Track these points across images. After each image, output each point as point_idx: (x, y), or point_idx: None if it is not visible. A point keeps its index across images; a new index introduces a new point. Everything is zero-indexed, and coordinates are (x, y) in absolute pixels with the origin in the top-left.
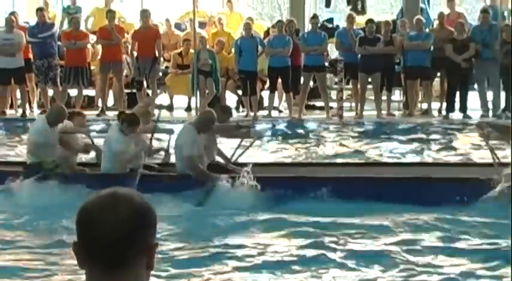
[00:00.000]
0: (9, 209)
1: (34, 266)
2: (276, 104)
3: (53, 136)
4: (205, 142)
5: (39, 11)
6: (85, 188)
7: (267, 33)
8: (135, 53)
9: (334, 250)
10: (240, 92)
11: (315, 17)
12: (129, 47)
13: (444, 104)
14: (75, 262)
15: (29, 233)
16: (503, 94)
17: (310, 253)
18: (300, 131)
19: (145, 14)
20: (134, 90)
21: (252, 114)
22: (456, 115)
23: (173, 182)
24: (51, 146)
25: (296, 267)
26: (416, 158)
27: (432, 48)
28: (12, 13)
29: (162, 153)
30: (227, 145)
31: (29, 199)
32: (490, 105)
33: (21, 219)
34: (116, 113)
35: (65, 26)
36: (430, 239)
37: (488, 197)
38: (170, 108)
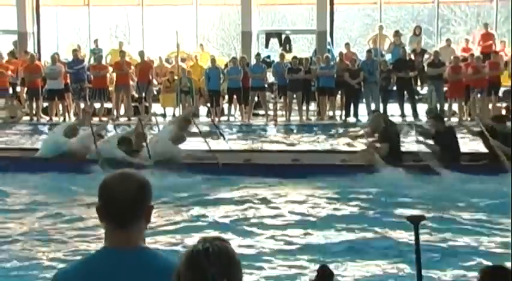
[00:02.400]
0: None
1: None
2: (232, 112)
3: (65, 143)
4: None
5: (74, 51)
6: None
7: (226, 65)
8: (136, 79)
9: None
10: (208, 104)
11: (258, 54)
12: (133, 75)
13: (343, 112)
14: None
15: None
16: (382, 105)
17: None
18: (248, 130)
19: (142, 53)
20: (137, 104)
21: (216, 119)
22: (351, 119)
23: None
24: (61, 149)
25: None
26: (327, 147)
27: (335, 75)
28: (56, 53)
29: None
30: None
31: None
32: None
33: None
34: (125, 119)
35: (92, 61)
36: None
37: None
38: (164, 115)
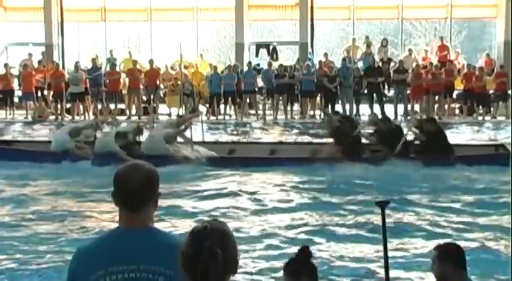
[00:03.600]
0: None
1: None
2: (228, 111)
3: (68, 141)
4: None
5: (93, 60)
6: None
7: (222, 72)
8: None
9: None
10: (207, 105)
11: (249, 63)
12: (143, 80)
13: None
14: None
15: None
16: (355, 106)
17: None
18: (241, 126)
19: (151, 62)
20: (146, 105)
21: (213, 117)
22: None
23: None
24: (66, 146)
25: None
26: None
27: (315, 80)
28: (77, 62)
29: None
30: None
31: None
32: (347, 112)
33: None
34: (136, 118)
35: (107, 68)
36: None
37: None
38: (169, 115)
